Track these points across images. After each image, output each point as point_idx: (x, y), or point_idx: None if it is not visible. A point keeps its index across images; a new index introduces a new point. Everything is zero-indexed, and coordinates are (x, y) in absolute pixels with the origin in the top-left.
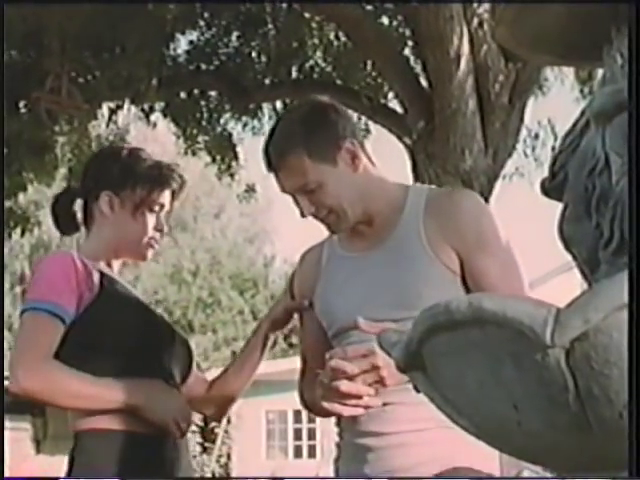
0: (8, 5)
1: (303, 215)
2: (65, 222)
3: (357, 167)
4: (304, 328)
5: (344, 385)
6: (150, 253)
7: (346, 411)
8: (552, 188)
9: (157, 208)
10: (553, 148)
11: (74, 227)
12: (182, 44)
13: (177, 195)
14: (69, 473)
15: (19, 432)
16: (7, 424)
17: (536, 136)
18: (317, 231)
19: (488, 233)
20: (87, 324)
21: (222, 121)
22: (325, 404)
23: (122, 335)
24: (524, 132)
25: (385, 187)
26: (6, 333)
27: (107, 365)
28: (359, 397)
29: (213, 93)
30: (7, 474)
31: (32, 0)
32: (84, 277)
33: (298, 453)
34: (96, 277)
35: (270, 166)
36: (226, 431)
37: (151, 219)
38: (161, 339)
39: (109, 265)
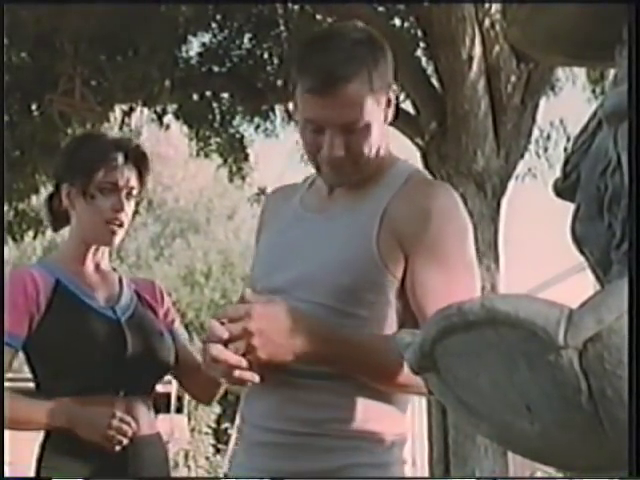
0: (21, 7)
1: (324, 159)
2: (53, 219)
3: (387, 117)
4: None
5: (213, 349)
6: (117, 238)
7: (224, 380)
8: (564, 188)
9: (110, 188)
10: (565, 149)
11: (61, 224)
12: (194, 46)
13: (143, 172)
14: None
15: (31, 432)
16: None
17: (548, 137)
18: None
19: (448, 242)
20: (38, 342)
21: (234, 123)
22: (203, 369)
23: (70, 348)
24: (536, 133)
25: (382, 151)
26: None
27: (64, 380)
28: (231, 366)
29: (225, 95)
30: (7, 474)
31: (32, 0)
32: (33, 296)
33: None
34: (49, 290)
35: (322, 89)
36: None
37: (105, 201)
38: (110, 346)
39: (83, 261)
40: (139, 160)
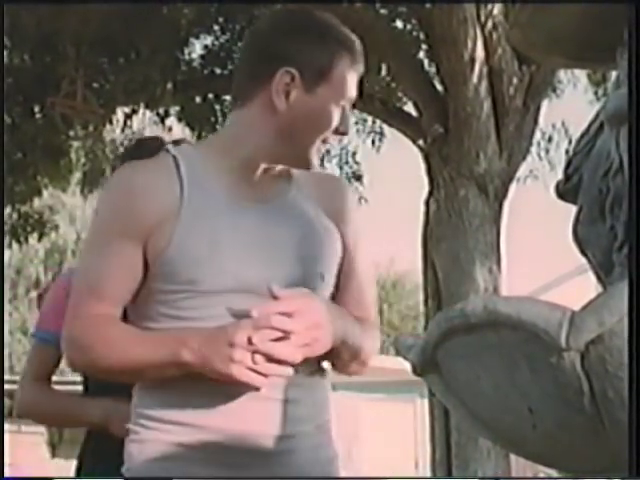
0: (23, 9)
1: (345, 133)
2: None
3: None
4: None
5: (277, 348)
6: None
7: (257, 381)
8: (566, 190)
9: None
10: (567, 151)
11: None
12: (197, 48)
13: None
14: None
15: (35, 436)
16: (23, 428)
17: (550, 139)
18: None
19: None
20: None
21: None
22: (238, 370)
23: None
24: (538, 135)
25: None
26: (21, 337)
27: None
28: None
29: (228, 97)
30: (7, 474)
31: (32, 0)
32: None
33: None
34: None
35: (362, 65)
36: None
37: None
38: None
39: None
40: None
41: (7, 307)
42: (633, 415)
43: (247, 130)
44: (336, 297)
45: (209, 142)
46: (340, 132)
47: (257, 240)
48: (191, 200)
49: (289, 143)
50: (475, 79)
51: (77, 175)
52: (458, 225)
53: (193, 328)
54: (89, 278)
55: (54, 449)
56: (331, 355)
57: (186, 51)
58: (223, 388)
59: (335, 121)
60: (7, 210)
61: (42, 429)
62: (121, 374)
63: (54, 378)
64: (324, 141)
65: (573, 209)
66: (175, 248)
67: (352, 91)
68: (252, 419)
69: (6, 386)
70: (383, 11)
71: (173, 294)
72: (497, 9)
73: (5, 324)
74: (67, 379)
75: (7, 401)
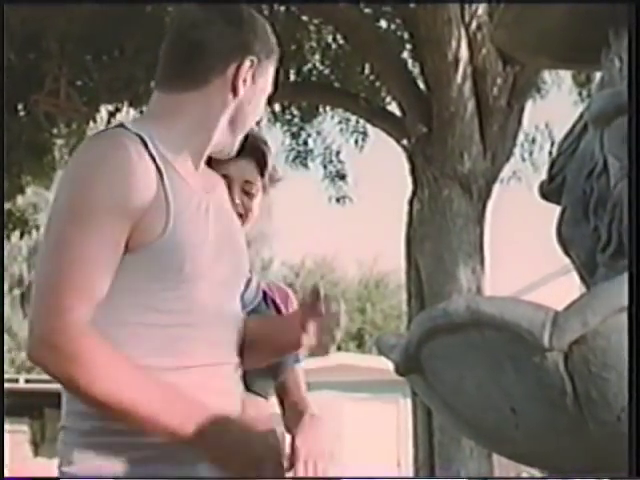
0: (7, 7)
1: (258, 123)
2: None
3: None
4: None
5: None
6: None
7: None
8: (550, 191)
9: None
10: (550, 153)
11: None
12: None
13: (262, 165)
14: None
15: (17, 435)
16: (6, 427)
17: (533, 140)
18: (315, 235)
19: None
20: None
21: None
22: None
23: None
24: (522, 136)
25: None
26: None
27: None
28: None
29: None
30: (7, 474)
31: (32, 0)
32: None
33: None
34: None
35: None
36: None
37: None
38: None
39: None
40: (255, 152)
41: None
42: (633, 415)
43: (206, 114)
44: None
45: (168, 124)
46: (257, 122)
47: (216, 232)
48: (172, 186)
49: (233, 130)
50: (459, 79)
51: (60, 173)
52: (442, 225)
53: (200, 402)
54: (73, 267)
55: (37, 448)
56: None
57: None
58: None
59: (257, 115)
60: None
61: (25, 428)
62: (99, 406)
63: (28, 376)
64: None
65: (557, 210)
66: (171, 236)
67: (271, 84)
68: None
69: None
70: (367, 11)
71: (157, 283)
72: (481, 9)
73: None
74: (43, 377)
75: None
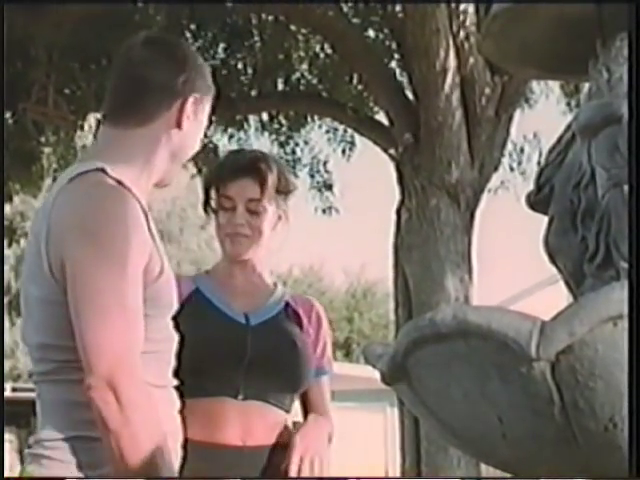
0: None
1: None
2: None
3: None
4: None
5: None
6: (241, 249)
7: None
8: (538, 201)
9: (226, 202)
10: (539, 163)
11: None
12: None
13: (263, 183)
14: None
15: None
16: None
17: (522, 150)
18: (302, 243)
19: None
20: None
21: (208, 132)
22: None
23: (189, 349)
24: (510, 146)
25: None
26: None
27: (188, 380)
28: None
29: None
30: (7, 474)
31: (33, 0)
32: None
33: None
34: (182, 298)
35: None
36: None
37: (223, 216)
38: (229, 348)
39: (231, 273)
40: (255, 171)
41: None
42: (633, 415)
43: (153, 150)
44: None
45: (124, 161)
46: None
47: None
48: (150, 226)
49: (173, 162)
50: (447, 89)
51: (48, 181)
52: (429, 234)
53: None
54: (129, 319)
55: (23, 457)
56: None
57: None
58: None
59: (199, 144)
60: None
61: (12, 437)
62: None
63: (15, 385)
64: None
65: (544, 220)
66: (166, 274)
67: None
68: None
69: None
70: (356, 20)
71: (152, 317)
72: (469, 20)
73: None
74: (29, 386)
75: None
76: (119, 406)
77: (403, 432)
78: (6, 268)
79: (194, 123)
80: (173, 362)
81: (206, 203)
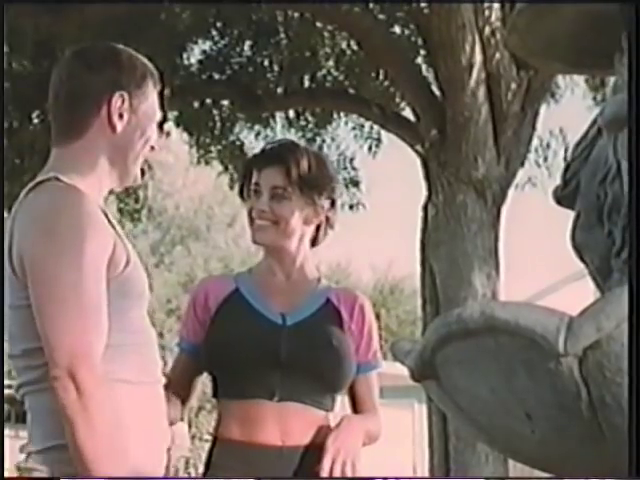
0: (20, 14)
1: (153, 148)
2: None
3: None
4: None
5: None
6: (267, 237)
7: None
8: (564, 196)
9: (255, 189)
10: (565, 158)
11: None
12: (195, 54)
13: (290, 170)
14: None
15: None
16: None
17: (548, 145)
18: (329, 240)
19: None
20: (204, 346)
21: (235, 130)
22: None
23: (225, 350)
24: (536, 141)
25: None
26: None
27: (224, 382)
28: None
29: (225, 102)
30: (7, 474)
31: (32, 0)
32: (202, 303)
33: None
34: (221, 298)
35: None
36: None
37: (253, 202)
38: (264, 349)
39: (272, 270)
40: (281, 159)
41: None
42: (633, 416)
43: (96, 157)
44: None
45: (74, 174)
46: (152, 147)
47: None
48: (110, 220)
49: (124, 161)
50: (473, 84)
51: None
52: (456, 230)
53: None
54: (89, 309)
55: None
56: None
57: (184, 56)
58: None
59: (152, 137)
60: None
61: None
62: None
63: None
64: (143, 155)
65: (571, 215)
66: (133, 264)
67: (159, 110)
68: None
69: None
70: (381, 17)
71: (123, 308)
72: (495, 15)
73: None
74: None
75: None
76: (77, 394)
77: (431, 429)
78: None
79: (132, 119)
80: (159, 361)
81: (241, 191)
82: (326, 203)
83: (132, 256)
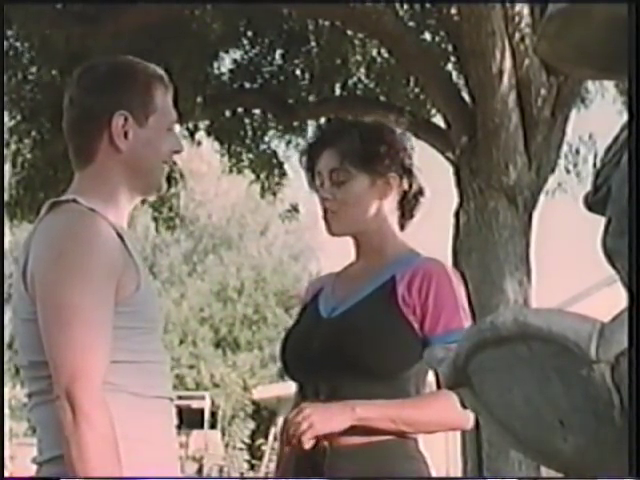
0: (52, 26)
1: (179, 151)
2: None
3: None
4: None
5: None
6: (334, 226)
7: None
8: (595, 202)
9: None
10: (594, 165)
11: None
12: (226, 63)
13: (345, 155)
14: None
15: None
16: None
17: (577, 151)
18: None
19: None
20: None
21: (266, 139)
22: None
23: (285, 349)
24: (565, 148)
25: None
26: None
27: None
28: None
29: (257, 111)
30: (7, 474)
31: (33, 0)
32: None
33: None
34: (308, 299)
35: (170, 87)
36: (273, 448)
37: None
38: (305, 345)
39: (357, 259)
40: (336, 140)
41: None
42: (633, 416)
43: (107, 183)
44: None
45: (91, 197)
46: (176, 151)
47: None
48: (133, 247)
49: (138, 177)
50: (503, 90)
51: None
52: (488, 237)
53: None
54: (92, 332)
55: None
56: None
57: (215, 65)
58: None
59: (169, 143)
60: None
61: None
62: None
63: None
64: (165, 162)
65: (601, 221)
66: (144, 290)
67: (173, 113)
68: None
69: None
70: (411, 24)
71: (133, 330)
72: (524, 21)
73: None
74: None
75: None
76: (72, 415)
77: (464, 436)
78: None
79: (140, 134)
80: (170, 378)
81: (310, 184)
82: (396, 170)
83: (143, 282)
